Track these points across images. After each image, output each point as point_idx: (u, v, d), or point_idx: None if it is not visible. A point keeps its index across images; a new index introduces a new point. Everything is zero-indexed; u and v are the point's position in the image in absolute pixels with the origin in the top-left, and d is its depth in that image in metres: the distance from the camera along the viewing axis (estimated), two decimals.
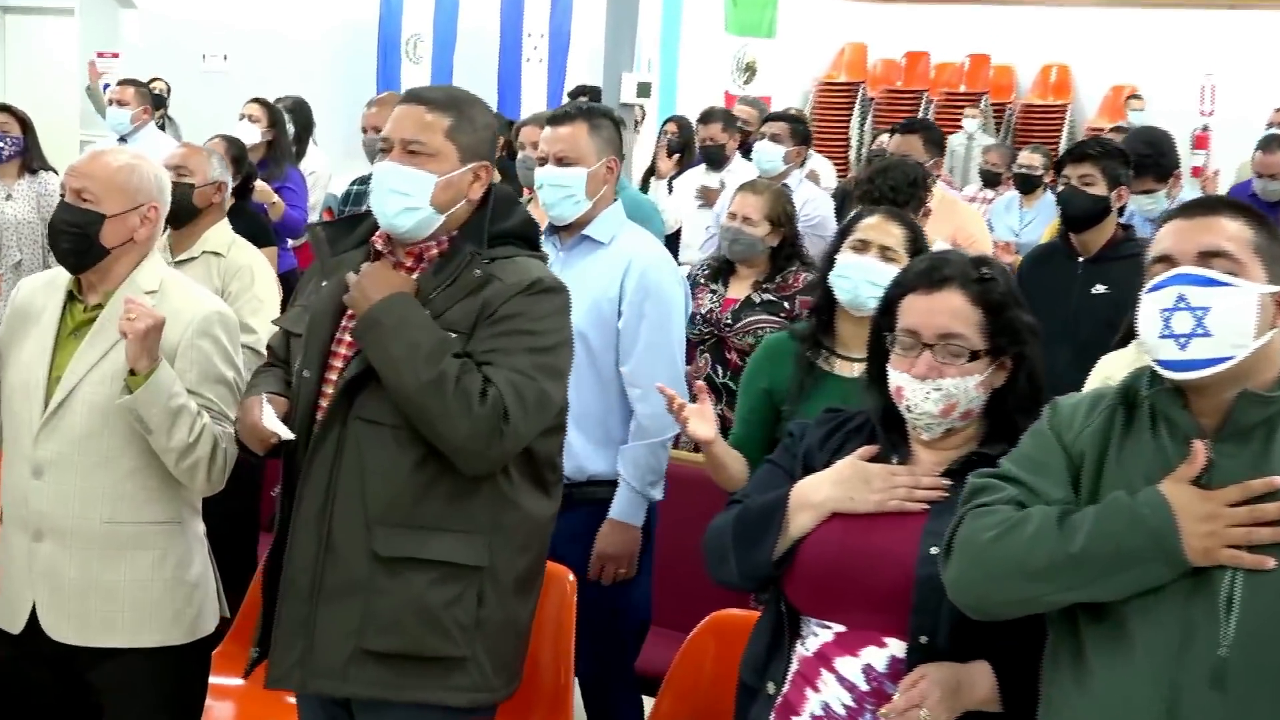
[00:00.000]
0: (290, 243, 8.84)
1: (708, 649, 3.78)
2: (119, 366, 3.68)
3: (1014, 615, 2.68)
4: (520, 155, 7.10)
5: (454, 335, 3.26)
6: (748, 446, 3.98)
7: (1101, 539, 2.49)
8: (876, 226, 4.10)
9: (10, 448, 3.86)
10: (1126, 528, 2.49)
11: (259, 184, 8.05)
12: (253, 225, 5.59)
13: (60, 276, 3.92)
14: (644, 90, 9.76)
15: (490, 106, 3.56)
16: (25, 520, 3.79)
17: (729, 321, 5.84)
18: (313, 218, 9.31)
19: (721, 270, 6.03)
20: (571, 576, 4.05)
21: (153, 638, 3.82)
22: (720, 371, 5.84)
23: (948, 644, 2.84)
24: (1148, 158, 6.97)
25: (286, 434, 3.35)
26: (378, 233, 3.48)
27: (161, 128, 11.22)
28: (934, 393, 2.96)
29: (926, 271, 3.05)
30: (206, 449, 3.73)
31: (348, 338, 3.39)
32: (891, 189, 5.70)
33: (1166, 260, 2.59)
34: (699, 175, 9.25)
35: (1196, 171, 13.45)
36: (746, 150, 9.14)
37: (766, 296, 5.86)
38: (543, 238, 3.95)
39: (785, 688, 3.03)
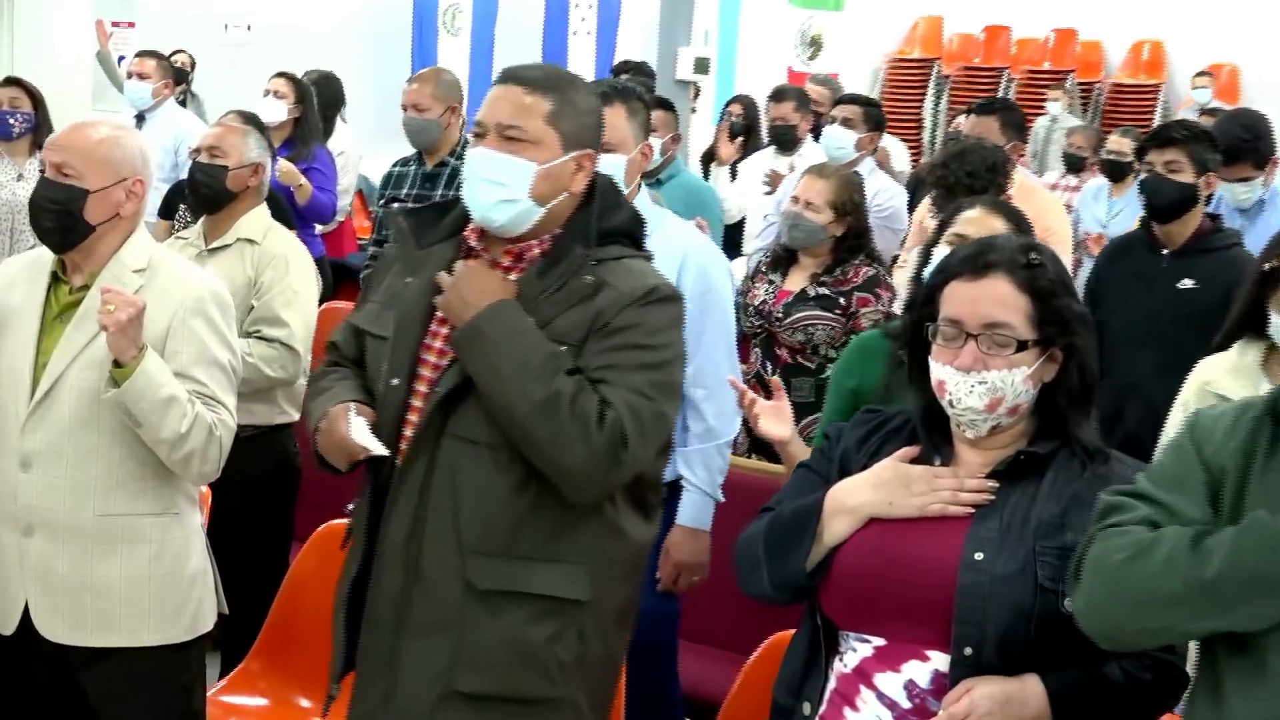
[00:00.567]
0: (318, 228, 8.90)
1: (768, 674, 3.78)
2: (109, 352, 3.70)
3: (1148, 646, 2.68)
4: None
5: (564, 349, 3.20)
6: None
7: (1240, 563, 2.44)
8: (977, 220, 4.13)
9: None
10: (1268, 551, 2.43)
11: (284, 165, 8.11)
12: (271, 207, 5.62)
13: (43, 257, 3.95)
14: (702, 66, 9.74)
15: (593, 89, 3.51)
16: (14, 516, 3.84)
17: (779, 315, 5.84)
18: (343, 202, 9.38)
19: (782, 259, 6.04)
20: None
21: (152, 636, 3.88)
22: (769, 369, 5.85)
23: (995, 656, 2.85)
24: (1245, 142, 6.92)
25: (380, 449, 3.25)
26: (470, 226, 3.41)
27: (183, 104, 11.30)
28: (979, 386, 2.96)
29: (971, 257, 3.06)
30: (200, 438, 3.77)
31: (437, 344, 3.34)
32: (968, 175, 5.71)
33: None
34: (767, 159, 9.22)
35: None
36: (817, 133, 9.15)
37: (822, 290, 5.86)
38: None
39: (822, 708, 3.05)
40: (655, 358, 3.26)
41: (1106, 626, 2.62)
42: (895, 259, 6.98)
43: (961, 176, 5.70)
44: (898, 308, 5.32)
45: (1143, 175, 5.91)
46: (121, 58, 12.15)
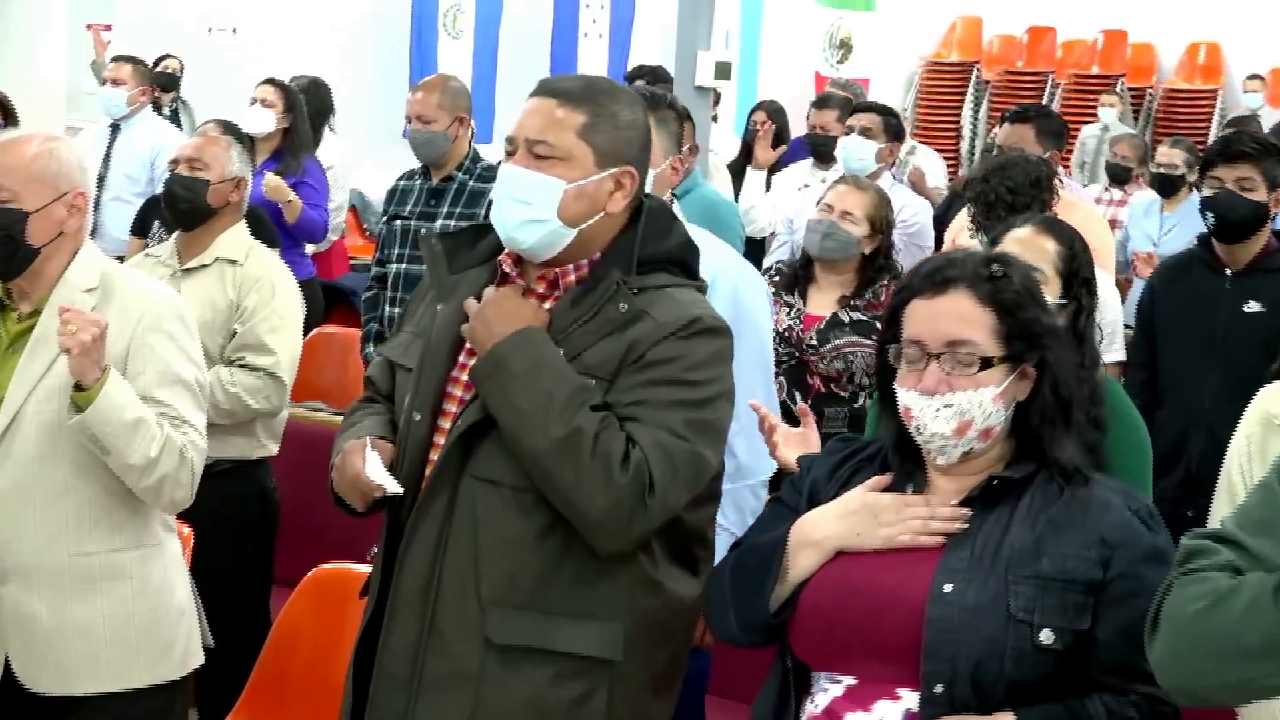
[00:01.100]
0: (309, 248, 8.88)
1: None
2: (68, 379, 3.70)
3: (1230, 703, 2.67)
4: None
5: (592, 382, 3.18)
6: None
7: None
8: (1027, 240, 4.15)
9: None
10: None
11: (271, 179, 8.11)
12: (250, 225, 5.61)
13: None
14: (723, 71, 9.71)
15: (639, 100, 3.49)
16: None
17: (813, 342, 5.81)
18: (335, 220, 9.36)
19: (796, 279, 6.00)
20: None
21: (142, 676, 3.89)
22: (798, 399, 5.82)
23: (970, 693, 2.86)
24: None
25: (394, 487, 3.24)
26: (505, 251, 3.39)
27: (175, 114, 11.30)
28: (944, 409, 2.98)
29: (930, 273, 3.07)
30: (172, 462, 3.77)
31: (465, 376, 3.31)
32: (1009, 190, 5.70)
33: None
34: (804, 171, 9.22)
35: None
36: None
37: (856, 315, 5.83)
38: None
39: None
40: (694, 395, 3.23)
41: (1183, 682, 2.59)
42: None
43: (1003, 193, 5.70)
44: None
45: (1209, 191, 5.86)
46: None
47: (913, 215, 7.80)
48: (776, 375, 5.85)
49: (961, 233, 6.40)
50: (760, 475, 4.47)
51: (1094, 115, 15.35)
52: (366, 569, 3.64)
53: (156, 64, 12.25)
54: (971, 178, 6.53)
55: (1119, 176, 11.29)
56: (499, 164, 3.46)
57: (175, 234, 5.51)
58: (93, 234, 4.15)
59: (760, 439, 3.66)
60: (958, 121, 18.02)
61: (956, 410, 2.97)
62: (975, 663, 2.84)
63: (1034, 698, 2.86)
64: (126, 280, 3.97)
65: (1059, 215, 5.57)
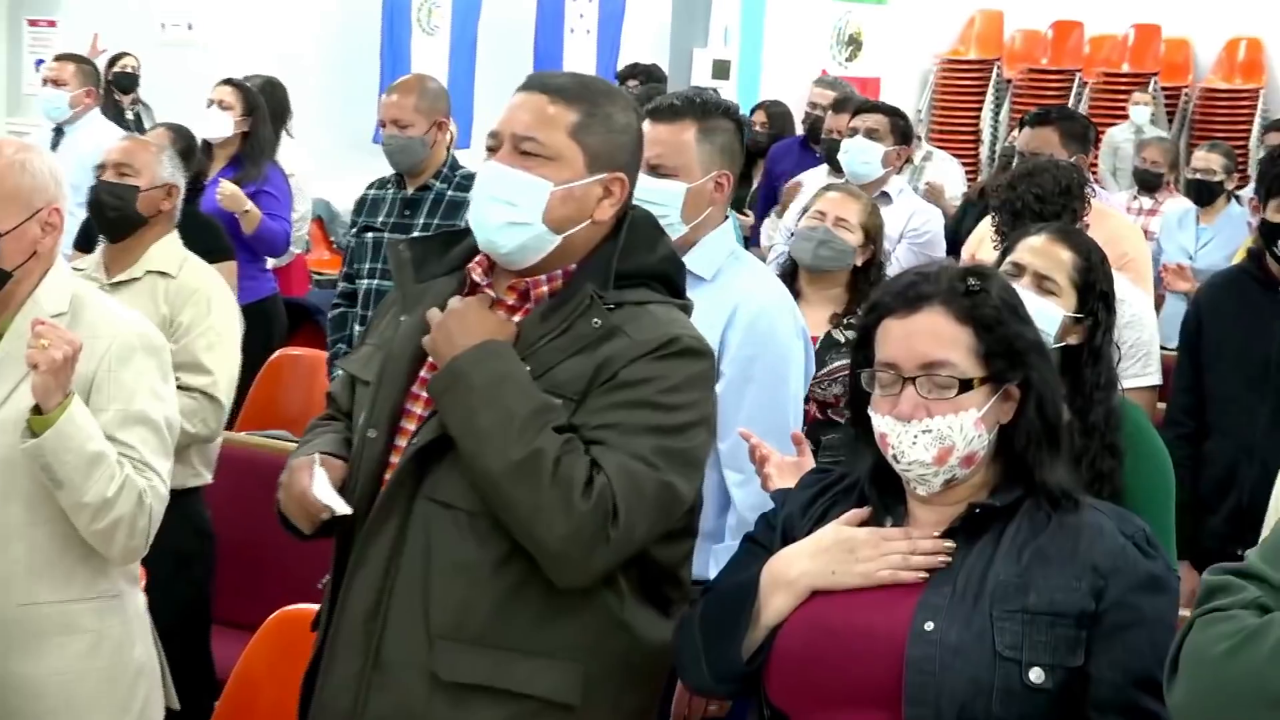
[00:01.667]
0: (270, 262, 8.86)
1: None
2: (26, 412, 3.67)
3: None
4: None
5: (558, 402, 3.17)
6: None
7: None
8: (1041, 249, 4.17)
9: None
10: None
11: (227, 186, 8.08)
12: (204, 236, 5.59)
13: None
14: (721, 70, 9.72)
15: (633, 104, 3.49)
16: None
17: None
18: (298, 232, 9.34)
19: None
20: None
21: None
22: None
23: None
24: None
25: (342, 508, 3.23)
26: (477, 258, 3.40)
27: (137, 119, 11.27)
28: (923, 435, 2.98)
29: (903, 290, 3.08)
30: (129, 505, 3.73)
31: (426, 392, 3.30)
32: (1038, 198, 5.69)
33: None
34: (820, 177, 9.22)
35: None
36: (811, 140, 9.11)
37: (851, 335, 5.82)
38: None
39: None
40: (668, 420, 3.21)
41: None
42: None
43: (1030, 200, 5.68)
44: None
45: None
46: (40, 61, 12.13)
47: (924, 223, 7.82)
48: None
49: (983, 244, 6.37)
50: None
51: (1124, 117, 15.34)
52: None
53: (113, 63, 12.24)
54: (996, 184, 6.51)
55: (1148, 184, 11.25)
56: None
57: (101, 245, 5.48)
58: None
59: (766, 495, 3.59)
60: (977, 124, 18.02)
61: (936, 436, 2.97)
62: (960, 705, 2.84)
63: None
64: (98, 305, 3.93)
65: (1092, 224, 5.56)
